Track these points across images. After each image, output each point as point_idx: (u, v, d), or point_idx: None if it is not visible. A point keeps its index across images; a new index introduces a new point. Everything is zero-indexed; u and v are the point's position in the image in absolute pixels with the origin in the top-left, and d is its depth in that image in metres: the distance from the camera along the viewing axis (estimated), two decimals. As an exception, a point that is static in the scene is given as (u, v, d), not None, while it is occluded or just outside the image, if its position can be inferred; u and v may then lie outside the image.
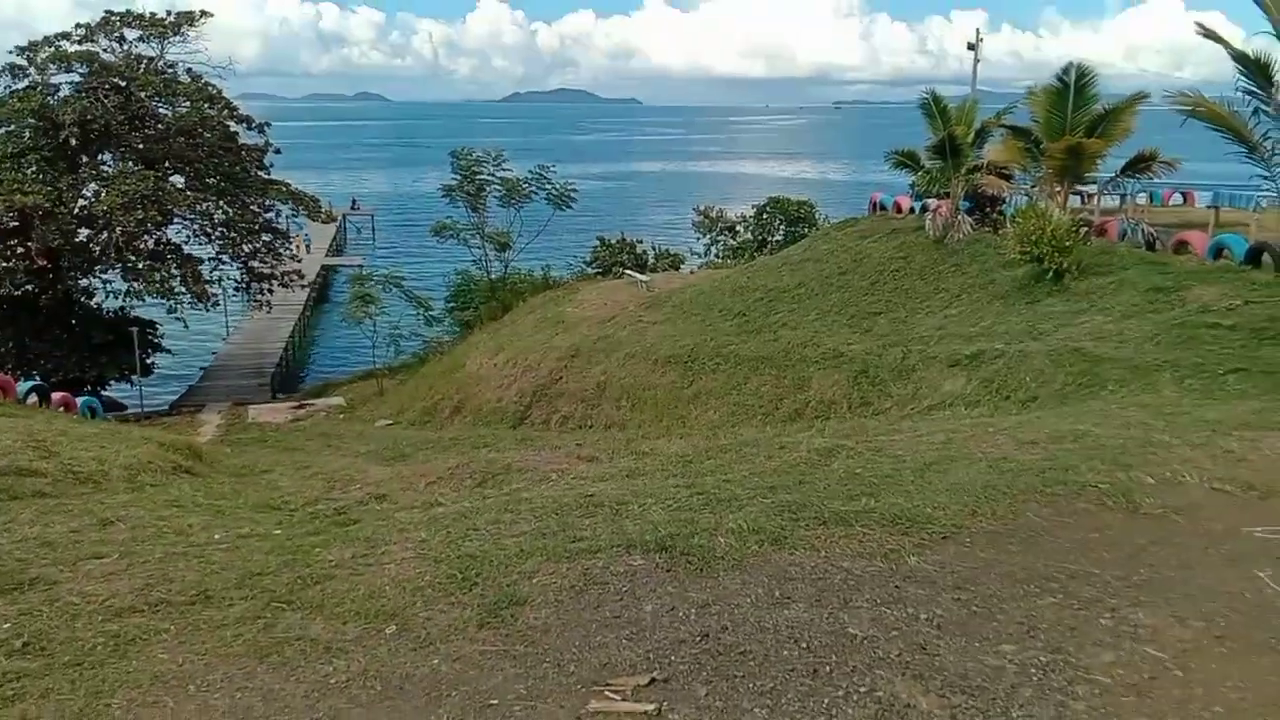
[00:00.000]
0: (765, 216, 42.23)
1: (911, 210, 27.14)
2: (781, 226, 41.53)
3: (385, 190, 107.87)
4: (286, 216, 40.04)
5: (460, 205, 40.22)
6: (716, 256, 42.52)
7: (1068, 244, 18.20)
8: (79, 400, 26.43)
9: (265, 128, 35.82)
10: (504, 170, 40.29)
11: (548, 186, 40.47)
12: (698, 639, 4.07)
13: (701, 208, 45.17)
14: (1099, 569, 4.75)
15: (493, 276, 39.61)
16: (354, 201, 78.63)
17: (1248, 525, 5.29)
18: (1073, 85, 21.31)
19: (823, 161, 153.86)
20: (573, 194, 41.34)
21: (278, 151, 36.04)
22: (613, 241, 41.56)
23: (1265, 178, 15.58)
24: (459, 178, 39.75)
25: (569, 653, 4.01)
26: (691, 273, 37.52)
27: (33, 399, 24.39)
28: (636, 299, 29.27)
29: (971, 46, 27.93)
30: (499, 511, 6.42)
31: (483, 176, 39.68)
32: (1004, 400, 12.72)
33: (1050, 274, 18.18)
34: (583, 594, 4.55)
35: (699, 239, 44.49)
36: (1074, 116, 20.99)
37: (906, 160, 25.51)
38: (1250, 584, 4.55)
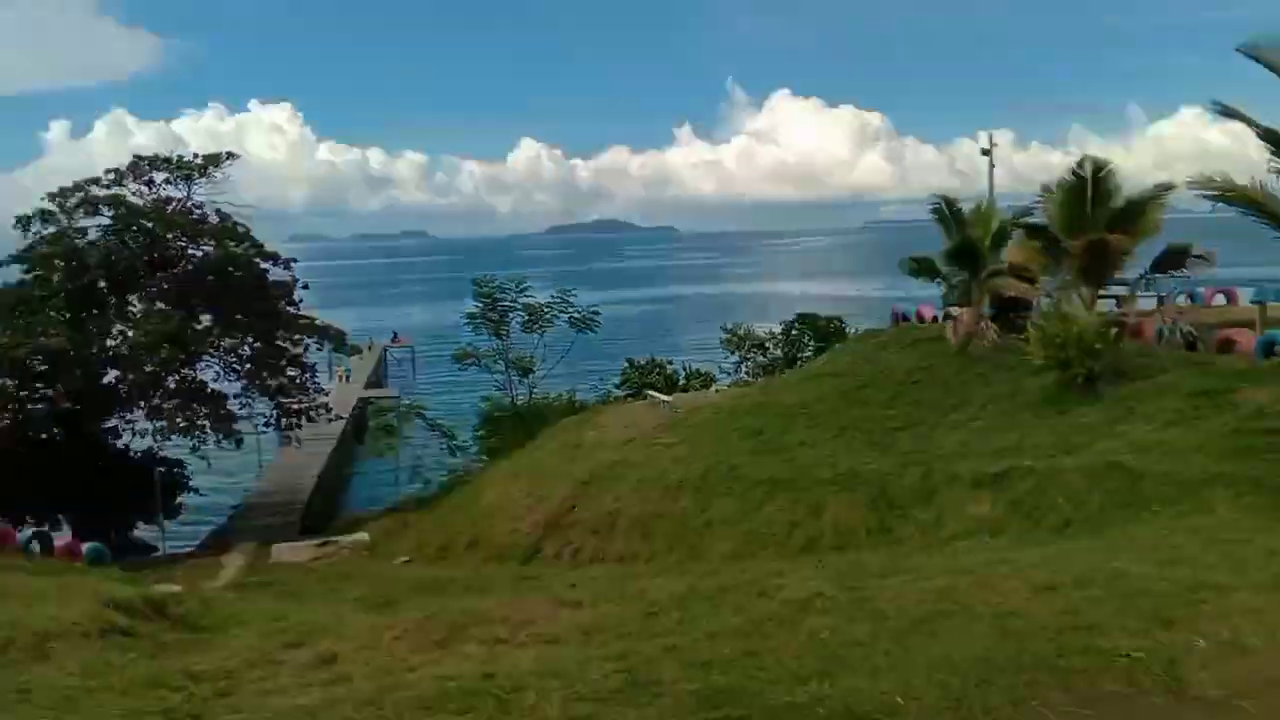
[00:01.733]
0: (794, 333, 41.32)
1: (935, 319, 26.00)
2: (811, 342, 40.57)
3: (428, 322, 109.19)
4: (328, 350, 39.86)
5: (485, 334, 39.97)
6: (747, 374, 41.48)
7: (1097, 346, 16.85)
8: (84, 546, 25.78)
9: (291, 264, 36.01)
10: (526, 297, 40.11)
11: (569, 311, 40.12)
12: None
13: (729, 326, 44.43)
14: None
15: (517, 402, 38.90)
16: (395, 334, 79.54)
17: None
18: (1089, 179, 20.18)
19: (856, 279, 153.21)
20: (595, 318, 40.92)
21: (305, 287, 36.20)
22: (642, 363, 40.79)
23: (1310, 263, 14.18)
24: (481, 305, 39.60)
25: None
26: (717, 391, 36.46)
27: (35, 546, 23.82)
28: (656, 420, 28.13)
29: (985, 151, 27.52)
30: (358, 707, 5.19)
31: (504, 304, 39.49)
32: (1034, 526, 11.22)
33: (1080, 380, 16.79)
34: None
35: (728, 357, 43.62)
36: (1094, 212, 19.81)
37: (921, 267, 24.50)
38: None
